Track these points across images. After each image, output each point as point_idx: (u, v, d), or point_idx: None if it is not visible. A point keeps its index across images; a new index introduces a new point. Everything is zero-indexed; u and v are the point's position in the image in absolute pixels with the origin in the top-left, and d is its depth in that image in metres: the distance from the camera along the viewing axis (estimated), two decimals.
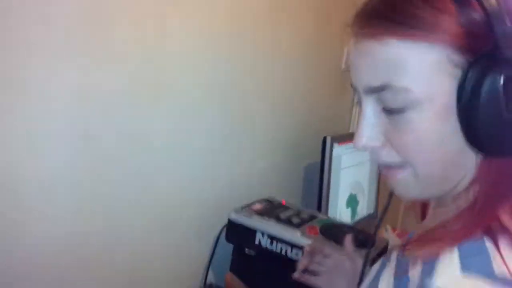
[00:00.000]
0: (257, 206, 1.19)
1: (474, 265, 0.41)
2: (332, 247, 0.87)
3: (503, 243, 0.42)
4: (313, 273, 0.83)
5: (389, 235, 1.61)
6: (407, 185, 0.48)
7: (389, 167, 0.48)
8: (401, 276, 0.48)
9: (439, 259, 0.43)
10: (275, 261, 1.08)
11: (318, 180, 1.36)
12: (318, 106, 1.55)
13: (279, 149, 1.41)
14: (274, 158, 1.40)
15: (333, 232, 1.07)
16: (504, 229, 0.42)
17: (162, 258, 1.10)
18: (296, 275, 0.84)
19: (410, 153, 0.45)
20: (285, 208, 1.20)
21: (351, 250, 0.84)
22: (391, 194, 0.58)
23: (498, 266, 0.40)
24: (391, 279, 0.50)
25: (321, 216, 1.19)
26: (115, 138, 0.91)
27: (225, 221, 1.16)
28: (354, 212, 1.51)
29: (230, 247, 1.19)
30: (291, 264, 1.04)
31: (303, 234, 1.05)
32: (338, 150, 1.35)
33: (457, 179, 0.46)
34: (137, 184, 0.98)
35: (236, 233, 1.14)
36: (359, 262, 0.78)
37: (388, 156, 0.47)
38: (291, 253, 1.05)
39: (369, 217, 1.60)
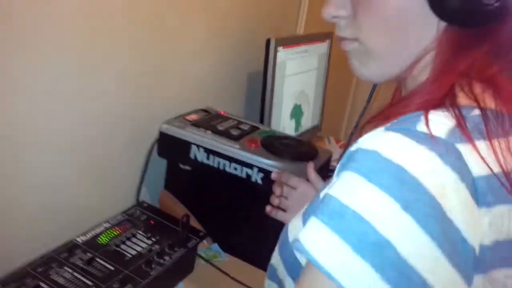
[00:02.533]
0: (192, 117, 1.06)
1: (398, 125, 0.39)
2: (297, 178, 0.81)
3: (441, 115, 0.39)
4: (281, 208, 0.80)
5: (332, 146, 1.56)
6: (360, 59, 0.47)
7: (344, 39, 0.48)
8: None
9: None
10: (212, 177, 0.99)
11: (261, 88, 1.23)
12: (265, 5, 1.38)
13: (219, 53, 1.25)
14: (213, 64, 1.24)
15: (275, 145, 0.98)
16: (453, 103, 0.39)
17: (92, 175, 0.97)
18: (268, 209, 0.79)
19: (368, 28, 0.44)
20: (224, 118, 1.08)
21: (314, 178, 0.78)
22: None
23: (421, 127, 0.38)
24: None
25: (262, 127, 1.08)
26: None
27: (157, 134, 1.03)
28: (298, 124, 1.42)
29: (164, 162, 1.07)
30: (229, 179, 0.95)
31: (242, 147, 0.95)
32: (283, 55, 1.22)
33: (414, 53, 0.43)
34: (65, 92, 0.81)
35: (169, 146, 1.02)
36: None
37: (348, 27, 0.46)
38: (230, 168, 0.95)
39: (313, 129, 1.53)
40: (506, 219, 0.37)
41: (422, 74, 0.44)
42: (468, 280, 0.35)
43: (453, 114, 0.38)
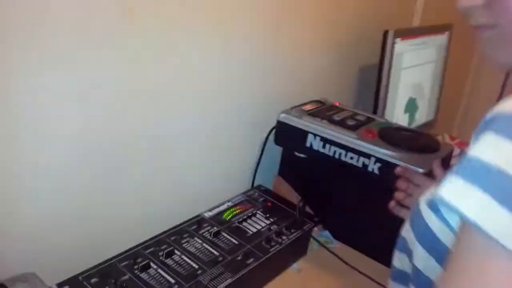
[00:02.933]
0: (308, 107, 1.10)
1: None
2: (422, 175, 0.80)
3: None
4: (406, 206, 0.79)
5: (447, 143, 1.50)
6: (494, 45, 0.47)
7: (479, 26, 0.47)
8: None
9: None
10: (327, 165, 1.01)
11: (375, 82, 1.23)
12: None
13: (332, 47, 1.27)
14: (327, 57, 1.27)
15: (394, 136, 0.97)
16: None
17: (210, 160, 1.05)
18: (392, 205, 0.79)
19: (506, 12, 0.44)
20: (339, 109, 1.10)
21: (440, 174, 0.77)
22: None
23: None
24: None
25: (378, 119, 1.09)
26: None
27: (274, 123, 1.08)
28: (412, 118, 1.39)
29: (279, 150, 1.13)
30: (344, 168, 0.97)
31: (359, 137, 0.96)
32: (401, 47, 1.20)
33: None
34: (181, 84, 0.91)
35: (286, 135, 1.07)
36: None
37: (483, 16, 0.46)
38: (345, 157, 0.97)
39: (427, 125, 1.48)
40: None
41: None
42: None
43: None
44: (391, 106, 1.27)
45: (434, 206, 0.40)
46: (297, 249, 0.95)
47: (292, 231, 0.90)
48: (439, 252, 0.45)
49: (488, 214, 0.35)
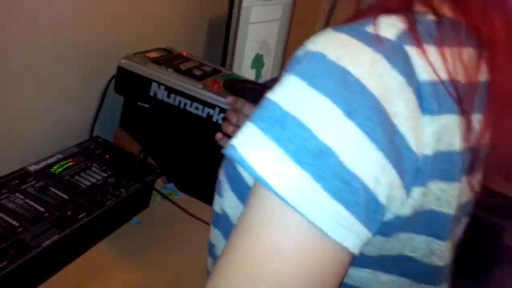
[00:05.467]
0: (153, 54, 1.03)
1: (347, 25, 0.35)
2: (251, 107, 0.76)
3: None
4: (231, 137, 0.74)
5: None
6: None
7: None
8: None
9: None
10: (172, 116, 0.98)
11: (223, 34, 1.22)
12: None
13: None
14: (175, 6, 1.20)
15: (238, 88, 0.97)
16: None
17: (43, 109, 0.92)
18: (218, 136, 0.75)
19: None
20: (186, 59, 1.06)
21: None
22: None
23: (370, 28, 0.35)
24: None
25: (225, 71, 1.08)
26: None
27: (115, 70, 1.00)
28: (258, 74, 1.42)
29: (121, 99, 1.05)
30: (189, 119, 0.95)
31: (205, 87, 0.94)
32: (249, 0, 1.20)
33: None
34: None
35: (128, 83, 0.99)
36: None
37: None
38: (191, 107, 0.95)
39: (273, 81, 1.54)
40: (449, 130, 0.35)
41: None
42: (408, 190, 0.34)
43: (406, 18, 0.36)
44: (239, 60, 1.27)
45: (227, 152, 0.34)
46: (138, 202, 0.90)
47: (132, 183, 0.85)
48: None
49: (280, 172, 0.30)
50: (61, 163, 0.85)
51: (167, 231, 0.89)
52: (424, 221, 0.37)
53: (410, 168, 0.33)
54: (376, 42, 0.33)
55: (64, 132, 1.00)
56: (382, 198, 0.31)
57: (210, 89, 0.94)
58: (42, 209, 0.73)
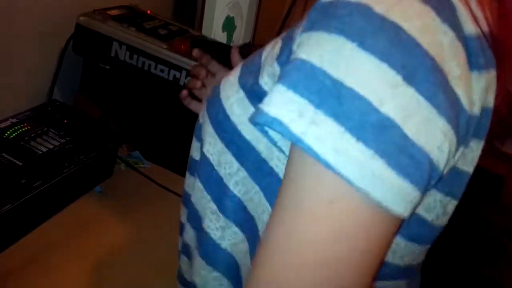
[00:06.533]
0: (115, 12, 0.96)
1: None
2: (218, 64, 0.72)
3: None
4: (196, 98, 0.69)
5: None
6: None
7: None
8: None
9: None
10: (135, 78, 0.91)
11: None
12: None
13: None
14: None
15: (206, 49, 0.91)
16: None
17: None
18: (184, 94, 0.69)
19: None
20: (151, 18, 0.99)
21: (238, 63, 0.66)
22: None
23: None
24: (284, 34, 0.39)
25: (193, 32, 1.01)
26: None
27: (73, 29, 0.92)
28: (229, 37, 1.36)
29: (81, 61, 0.97)
30: (154, 82, 0.89)
31: (170, 47, 0.88)
32: None
33: None
34: None
35: (87, 42, 0.92)
36: None
37: None
38: (155, 70, 0.88)
39: (245, 46, 1.48)
40: (491, 86, 0.33)
41: None
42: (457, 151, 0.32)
43: None
44: (209, 21, 1.20)
45: (255, 119, 0.31)
46: (100, 171, 0.85)
47: (92, 150, 0.80)
48: (240, 148, 0.40)
49: (342, 151, 0.28)
50: (15, 127, 0.79)
51: (131, 201, 0.84)
52: (447, 179, 0.35)
53: (463, 129, 0.31)
54: None
55: (20, 95, 0.92)
56: (442, 166, 0.30)
57: (177, 50, 0.88)
58: None
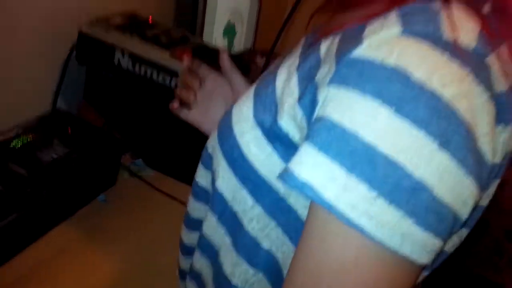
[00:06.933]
0: (117, 20, 0.96)
1: (417, 23, 0.29)
2: (207, 68, 0.71)
3: (455, 6, 0.30)
4: (187, 106, 0.66)
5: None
6: None
7: None
8: (308, 55, 0.37)
9: (368, 23, 0.32)
10: (137, 87, 0.92)
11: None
12: None
13: None
14: None
15: (208, 56, 0.92)
16: None
17: (2, 78, 0.85)
18: (175, 105, 0.66)
19: None
20: (152, 26, 1.00)
21: (229, 69, 0.64)
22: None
23: (447, 31, 0.29)
24: (295, 61, 0.39)
25: (195, 39, 1.02)
26: None
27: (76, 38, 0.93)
28: (230, 43, 1.36)
29: (84, 69, 0.98)
30: (156, 90, 0.90)
31: (172, 55, 0.89)
32: None
33: None
34: None
35: (90, 51, 0.93)
36: (240, 83, 0.65)
37: None
38: (158, 77, 0.89)
39: (245, 53, 1.49)
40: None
41: None
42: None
43: (473, 11, 0.30)
44: (210, 27, 1.21)
45: (285, 181, 0.31)
46: (104, 179, 0.85)
47: (97, 159, 0.80)
48: (257, 186, 0.39)
49: (374, 215, 0.28)
50: (21, 137, 0.79)
51: (135, 209, 0.85)
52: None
53: (485, 181, 0.32)
54: (459, 54, 0.29)
55: (22, 105, 0.93)
56: (465, 217, 0.31)
57: (179, 58, 0.88)
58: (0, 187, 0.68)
